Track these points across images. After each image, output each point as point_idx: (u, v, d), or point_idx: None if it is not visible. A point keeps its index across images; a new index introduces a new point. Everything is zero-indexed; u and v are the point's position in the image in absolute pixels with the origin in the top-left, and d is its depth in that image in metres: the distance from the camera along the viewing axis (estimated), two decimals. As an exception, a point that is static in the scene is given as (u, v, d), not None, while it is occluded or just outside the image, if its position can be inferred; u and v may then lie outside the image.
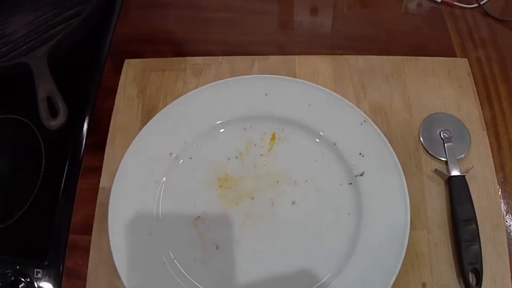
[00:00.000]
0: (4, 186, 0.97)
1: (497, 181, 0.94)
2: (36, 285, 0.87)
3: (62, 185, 0.94)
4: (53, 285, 0.87)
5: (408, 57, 1.09)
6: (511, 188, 0.95)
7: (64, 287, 0.87)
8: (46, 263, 0.88)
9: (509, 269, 0.87)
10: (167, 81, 1.06)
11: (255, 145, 0.97)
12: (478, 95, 1.04)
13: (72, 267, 0.89)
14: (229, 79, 1.02)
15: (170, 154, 0.94)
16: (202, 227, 0.89)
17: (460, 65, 1.08)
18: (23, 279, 0.86)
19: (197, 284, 0.84)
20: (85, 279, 0.87)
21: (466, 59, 1.09)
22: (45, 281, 0.87)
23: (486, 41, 1.14)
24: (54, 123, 0.88)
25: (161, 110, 0.98)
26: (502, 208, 0.92)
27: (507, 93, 1.06)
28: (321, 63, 1.08)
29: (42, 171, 0.95)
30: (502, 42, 1.14)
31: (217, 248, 0.87)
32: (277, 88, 1.00)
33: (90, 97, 1.04)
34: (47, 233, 0.90)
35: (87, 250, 0.89)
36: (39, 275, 0.87)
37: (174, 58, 1.09)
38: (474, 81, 1.06)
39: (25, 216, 0.92)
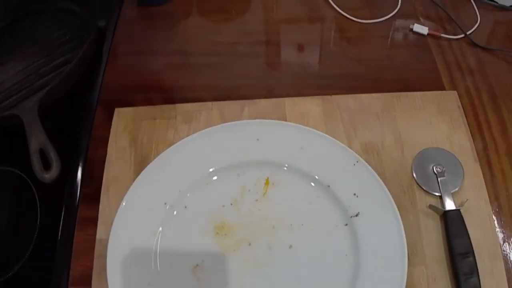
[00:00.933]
0: (0, 239, 0.97)
1: (492, 211, 0.95)
2: None
3: (59, 237, 0.94)
4: None
5: (397, 93, 1.10)
6: (506, 217, 0.95)
7: None
8: None
9: (509, 300, 0.86)
10: (158, 129, 1.06)
11: (249, 190, 0.97)
12: (469, 126, 1.05)
13: (75, 321, 0.88)
14: (220, 125, 1.02)
15: (165, 204, 0.94)
16: (201, 275, 0.89)
17: (450, 98, 1.09)
18: None
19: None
20: (89, 333, 0.86)
21: (455, 92, 1.10)
22: (48, 337, 0.85)
23: (474, 71, 1.15)
24: (48, 176, 0.88)
25: (153, 159, 0.98)
26: (499, 238, 0.92)
27: (497, 122, 1.07)
28: (311, 104, 1.08)
29: (38, 223, 0.95)
30: (490, 70, 1.15)
31: None
32: (268, 132, 1.01)
33: (82, 147, 1.04)
34: (46, 285, 0.90)
35: (89, 303, 0.88)
36: (42, 331, 0.85)
37: (164, 106, 1.10)
38: (464, 112, 1.07)
39: (24, 269, 0.91)
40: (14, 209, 1.00)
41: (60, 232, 0.94)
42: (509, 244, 0.93)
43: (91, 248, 0.92)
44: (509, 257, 0.91)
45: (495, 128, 1.06)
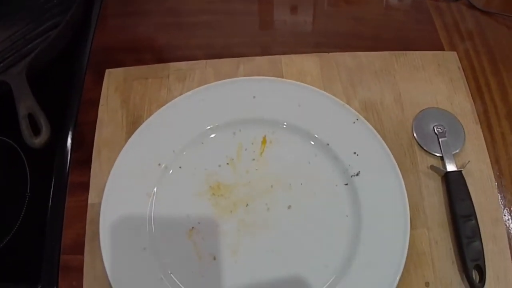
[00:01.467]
0: (-11, 209, 0.93)
1: (493, 175, 0.93)
2: None
3: (50, 204, 0.91)
4: (50, 309, 0.83)
5: (396, 52, 1.07)
6: (507, 181, 0.93)
7: (60, 311, 0.83)
8: (40, 287, 0.84)
9: (511, 264, 0.86)
10: (151, 89, 1.03)
11: (246, 149, 0.94)
12: (469, 88, 1.03)
13: (67, 289, 0.85)
14: (215, 83, 0.99)
15: (159, 164, 0.91)
16: (197, 238, 0.86)
17: (450, 59, 1.07)
18: (17, 307, 0.82)
19: (196, 297, 0.81)
20: (81, 301, 0.83)
21: (455, 52, 1.08)
22: (41, 305, 0.83)
23: (473, 34, 1.12)
24: (37, 141, 0.86)
25: (146, 119, 0.95)
26: (500, 203, 0.91)
27: (498, 86, 1.05)
28: (308, 62, 1.06)
29: (28, 191, 0.92)
30: (489, 34, 1.13)
31: (214, 258, 0.84)
32: (265, 90, 0.98)
33: (72, 111, 1.01)
34: (38, 255, 0.87)
35: (80, 270, 0.85)
36: (34, 299, 0.83)
37: (156, 65, 1.06)
38: (464, 74, 1.04)
39: (15, 239, 0.88)
40: (3, 178, 0.97)
41: (51, 199, 0.91)
42: (510, 209, 0.91)
43: (83, 214, 0.89)
44: (511, 221, 0.90)
45: (495, 92, 1.04)
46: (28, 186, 0.92)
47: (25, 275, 0.86)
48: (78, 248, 0.87)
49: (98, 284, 0.84)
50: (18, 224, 0.89)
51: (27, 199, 0.91)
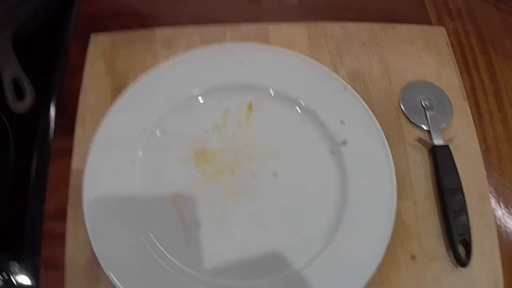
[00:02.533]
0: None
1: (480, 151, 0.93)
2: (14, 281, 0.81)
3: (33, 171, 0.90)
4: (31, 277, 0.82)
5: (385, 24, 1.06)
6: (494, 159, 0.94)
7: (43, 280, 0.82)
8: (23, 255, 0.83)
9: (497, 240, 0.86)
10: (137, 55, 1.01)
11: (232, 115, 0.92)
12: (457, 64, 1.02)
13: (49, 257, 0.83)
14: (201, 48, 0.97)
15: (144, 129, 0.89)
16: (182, 205, 0.85)
17: (438, 34, 1.06)
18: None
19: (180, 264, 0.80)
20: (63, 269, 0.82)
21: (443, 28, 1.07)
22: (23, 274, 0.82)
23: (462, 12, 1.12)
24: (22, 106, 0.86)
25: (131, 85, 0.93)
26: (486, 180, 0.91)
27: (486, 63, 1.04)
28: (296, 31, 1.04)
29: (11, 158, 0.90)
30: (478, 13, 1.12)
31: (199, 225, 0.83)
32: (252, 56, 0.96)
33: (57, 77, 0.99)
34: (21, 223, 0.86)
35: (64, 238, 0.84)
36: (16, 268, 0.82)
37: (142, 31, 1.04)
38: (452, 51, 1.04)
39: (-4, 207, 0.87)
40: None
41: (34, 165, 0.90)
42: (496, 185, 0.91)
43: (66, 181, 0.88)
44: (497, 198, 0.90)
45: (483, 70, 1.04)
46: (12, 153, 0.91)
47: (8, 244, 0.85)
48: (61, 215, 0.85)
49: (80, 251, 0.82)
50: (0, 191, 0.88)
51: (10, 166, 0.90)
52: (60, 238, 0.83)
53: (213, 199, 0.85)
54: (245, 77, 0.95)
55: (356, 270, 0.79)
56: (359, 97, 0.91)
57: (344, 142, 0.88)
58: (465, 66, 1.03)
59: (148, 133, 0.89)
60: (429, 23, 1.09)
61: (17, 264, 0.82)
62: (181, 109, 0.92)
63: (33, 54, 0.97)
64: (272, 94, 0.94)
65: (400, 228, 0.85)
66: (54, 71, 1.00)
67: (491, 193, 0.90)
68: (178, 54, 0.97)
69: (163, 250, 0.81)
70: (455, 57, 1.03)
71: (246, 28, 1.04)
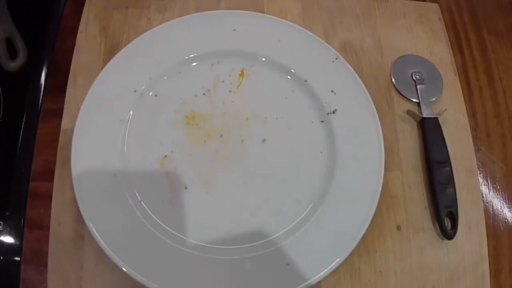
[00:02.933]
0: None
1: (469, 126, 0.94)
2: None
3: (22, 130, 0.89)
4: (15, 237, 0.82)
5: (378, -2, 1.06)
6: (482, 134, 0.95)
7: (27, 239, 0.82)
8: (7, 214, 0.83)
9: (483, 215, 0.87)
10: (131, 18, 1.01)
11: (223, 81, 0.92)
12: (449, 41, 1.03)
13: (34, 216, 0.83)
14: (195, 14, 0.97)
15: (135, 91, 0.89)
16: (170, 167, 0.85)
17: (431, 10, 1.07)
18: (-17, 234, 0.81)
19: (165, 226, 0.80)
20: (48, 229, 0.82)
21: (437, 4, 1.08)
22: (6, 233, 0.82)
23: (456, -12, 1.11)
24: (14, 64, 0.86)
25: (124, 47, 0.93)
26: (475, 154, 0.92)
27: (478, 41, 1.05)
28: (290, 0, 1.04)
29: (0, 117, 0.89)
30: (473, -9, 1.12)
31: (185, 188, 0.83)
32: (246, 23, 0.96)
33: (50, 37, 0.98)
34: (6, 182, 0.85)
35: (49, 198, 0.84)
36: (0, 227, 0.82)
37: (137, -5, 1.04)
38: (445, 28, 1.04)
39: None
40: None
41: (23, 125, 0.90)
42: (484, 161, 0.93)
43: (54, 141, 0.88)
44: (485, 173, 0.92)
45: (475, 47, 1.04)
46: (1, 112, 0.90)
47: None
48: (48, 175, 0.85)
49: (66, 210, 0.83)
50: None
51: (-1, 124, 0.89)
52: (46, 198, 0.84)
53: (201, 162, 0.86)
54: (238, 44, 0.95)
55: (342, 238, 0.79)
56: (350, 67, 0.92)
57: (334, 111, 0.88)
58: (457, 44, 1.04)
59: (138, 95, 0.89)
60: (423, 0, 1.09)
61: (1, 224, 0.82)
62: (172, 73, 0.92)
63: (25, 13, 0.97)
64: (264, 62, 0.94)
65: (386, 198, 0.86)
66: (46, 30, 0.99)
67: (479, 168, 0.91)
68: (172, 19, 0.97)
69: (148, 210, 0.81)
70: (448, 34, 1.04)
71: (241, -4, 1.04)
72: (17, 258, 0.81)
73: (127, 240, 0.78)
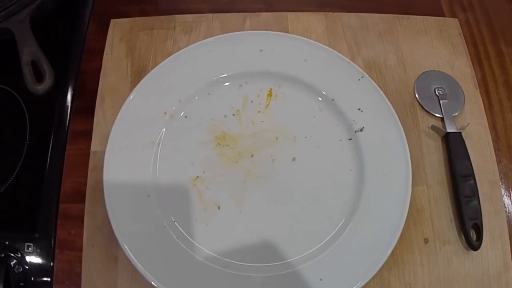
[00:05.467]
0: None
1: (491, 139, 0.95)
2: (27, 260, 0.82)
3: (49, 152, 0.90)
4: (46, 258, 0.83)
5: (399, 15, 1.08)
6: (503, 146, 0.95)
7: (59, 260, 0.83)
8: (37, 235, 0.84)
9: (506, 225, 0.88)
10: (157, 39, 1.03)
11: (251, 101, 0.94)
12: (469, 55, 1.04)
13: (65, 238, 0.85)
14: (222, 35, 0.99)
15: (165, 113, 0.91)
16: (202, 187, 0.86)
17: (451, 25, 1.08)
18: (13, 255, 0.82)
19: (199, 245, 0.82)
20: (79, 250, 0.83)
21: (456, 19, 1.09)
22: (37, 254, 0.83)
23: (474, 4, 1.13)
24: (41, 87, 0.85)
25: (152, 69, 0.94)
26: (497, 166, 0.93)
27: (496, 54, 1.06)
28: (314, 20, 1.06)
29: (27, 140, 0.91)
30: (489, 4, 1.14)
31: (218, 208, 0.85)
32: (272, 43, 0.98)
33: (75, 59, 1.00)
34: (36, 204, 0.86)
35: (80, 219, 0.85)
36: (30, 249, 0.83)
37: (162, 17, 1.06)
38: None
39: (12, 188, 0.87)
40: (2, 126, 0.96)
41: (50, 147, 0.91)
42: (506, 172, 0.94)
43: (83, 163, 0.90)
44: (506, 184, 0.93)
45: (493, 60, 1.05)
46: (28, 134, 0.92)
47: (22, 224, 0.86)
48: (78, 196, 0.87)
49: (99, 231, 0.84)
50: (16, 172, 0.89)
51: (26, 147, 0.91)
52: (76, 220, 0.86)
53: (233, 181, 0.87)
54: (265, 64, 0.96)
55: (373, 252, 0.81)
56: (376, 85, 0.94)
57: (361, 129, 0.90)
58: (477, 57, 1.05)
59: (168, 117, 0.91)
60: (442, 15, 1.10)
61: (31, 245, 0.83)
62: (201, 94, 0.94)
63: (50, 35, 0.98)
64: (291, 82, 0.95)
65: (413, 212, 0.88)
66: (71, 52, 1.01)
67: (501, 180, 0.92)
68: (197, 40, 0.99)
69: (182, 230, 0.83)
70: (467, 47, 1.05)
71: (266, 16, 1.06)
72: (48, 279, 0.82)
73: (161, 260, 0.79)
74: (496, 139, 0.96)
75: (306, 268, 0.81)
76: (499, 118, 0.98)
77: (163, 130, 0.90)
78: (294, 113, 0.93)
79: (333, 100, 0.93)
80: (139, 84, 0.92)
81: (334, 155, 0.90)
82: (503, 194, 0.91)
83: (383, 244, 0.81)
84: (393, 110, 0.91)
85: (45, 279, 0.83)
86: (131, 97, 0.91)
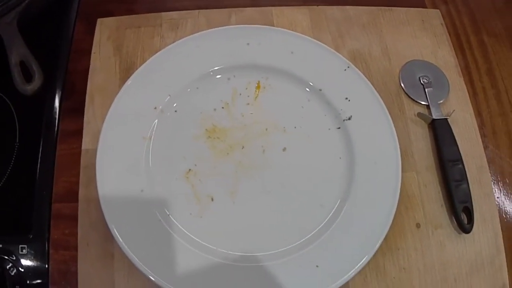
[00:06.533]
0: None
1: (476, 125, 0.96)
2: (22, 263, 0.82)
3: (40, 153, 0.91)
4: (40, 259, 0.83)
5: (382, 7, 1.10)
6: (489, 132, 0.97)
7: (54, 260, 0.83)
8: (31, 237, 0.84)
9: (496, 208, 0.90)
10: (144, 37, 1.03)
11: (240, 94, 0.95)
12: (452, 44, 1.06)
13: (59, 237, 0.85)
14: (209, 30, 0.99)
15: (155, 108, 0.91)
16: (195, 180, 0.87)
17: (433, 16, 1.10)
18: (8, 258, 0.82)
19: (194, 237, 0.82)
20: (74, 249, 0.83)
21: (438, 10, 1.11)
22: (31, 256, 0.83)
23: (454, -4, 1.15)
24: (30, 87, 0.85)
25: (140, 66, 0.95)
26: (483, 151, 0.94)
27: (478, 44, 1.08)
28: (298, 14, 1.07)
29: (17, 141, 0.91)
30: (470, -4, 1.15)
31: (212, 200, 0.86)
32: (259, 37, 0.99)
33: (62, 59, 1.00)
34: (28, 205, 0.87)
35: (73, 218, 0.85)
36: (24, 251, 0.83)
37: (149, 14, 1.06)
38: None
39: (3, 190, 0.87)
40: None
41: (41, 148, 0.91)
42: (493, 158, 0.95)
43: (74, 162, 0.90)
44: (493, 169, 0.95)
45: (476, 49, 1.07)
46: (17, 136, 0.92)
47: (15, 226, 0.86)
48: (70, 196, 0.87)
49: (94, 229, 0.84)
50: (7, 174, 0.89)
51: (16, 148, 0.91)
52: (70, 219, 0.86)
53: (225, 173, 0.88)
54: (252, 57, 0.97)
55: (366, 238, 0.82)
56: (362, 75, 0.95)
57: (349, 118, 0.92)
58: (459, 47, 1.07)
59: (159, 112, 0.91)
60: (423, 7, 1.12)
61: (25, 247, 0.83)
62: (190, 89, 0.95)
63: (37, 37, 0.98)
64: (279, 74, 0.97)
65: (404, 198, 0.89)
66: (59, 53, 1.01)
67: (489, 165, 0.94)
68: (184, 36, 0.99)
69: (177, 223, 0.83)
70: (450, 38, 1.07)
71: (251, 11, 1.07)
72: (44, 281, 0.83)
73: (158, 254, 0.80)
74: (481, 125, 0.97)
75: (301, 256, 0.82)
76: (483, 105, 1.00)
77: (154, 125, 0.90)
78: (282, 104, 0.94)
79: (321, 90, 0.94)
80: (128, 81, 0.92)
81: (324, 144, 0.91)
82: (491, 178, 0.92)
83: (376, 230, 0.82)
84: (380, 98, 0.92)
85: (40, 280, 0.83)
86: (121, 93, 0.91)
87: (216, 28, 1.00)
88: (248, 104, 0.94)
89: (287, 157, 0.90)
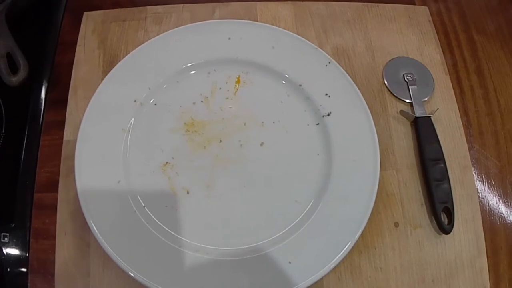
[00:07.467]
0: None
1: (462, 124, 0.95)
2: (4, 251, 0.83)
3: (25, 143, 0.91)
4: (22, 247, 0.84)
5: (369, 3, 1.09)
6: (475, 132, 0.96)
7: (33, 249, 0.84)
8: (13, 225, 0.85)
9: (479, 209, 0.89)
10: (128, 30, 1.03)
11: (220, 88, 0.95)
12: (439, 42, 1.05)
13: (40, 227, 0.85)
14: (191, 24, 0.99)
15: (135, 101, 0.91)
16: (172, 173, 0.87)
17: (421, 13, 1.09)
18: (-11, 246, 0.82)
19: (168, 230, 0.82)
20: (54, 238, 0.84)
21: (426, 7, 1.10)
22: (13, 244, 0.84)
23: (445, -7, 1.14)
24: (15, 79, 0.86)
25: (123, 58, 0.95)
26: (468, 151, 0.93)
27: (468, 42, 1.07)
28: (282, 9, 1.07)
29: (3, 131, 0.91)
30: (461, -6, 1.14)
31: (187, 193, 0.86)
32: (240, 31, 0.98)
33: (49, 52, 1.01)
34: (12, 194, 0.87)
35: (54, 208, 0.86)
36: (6, 239, 0.84)
37: (134, 8, 1.06)
38: (435, 29, 1.06)
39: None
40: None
41: (25, 138, 0.92)
42: (478, 158, 0.94)
43: (57, 153, 0.90)
44: (479, 169, 0.94)
45: (465, 47, 1.06)
46: (3, 126, 0.92)
47: (-1, 214, 0.86)
48: (52, 186, 0.87)
49: (71, 218, 0.85)
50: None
51: (1, 138, 0.91)
52: (51, 209, 0.86)
53: (202, 167, 0.88)
54: (233, 52, 0.97)
55: (341, 236, 0.81)
56: (343, 70, 0.94)
57: (329, 114, 0.91)
58: (448, 45, 1.06)
59: (138, 104, 0.91)
60: (412, 4, 1.11)
61: (7, 235, 0.84)
62: (170, 82, 0.94)
63: (25, 29, 0.99)
64: (259, 68, 0.96)
65: (383, 196, 0.88)
66: (46, 45, 1.02)
67: (473, 165, 0.93)
68: (168, 30, 0.99)
69: (151, 215, 0.83)
70: (438, 36, 1.06)
71: (235, 6, 1.07)
72: (24, 269, 0.83)
73: (132, 245, 0.80)
74: (468, 125, 0.96)
75: (274, 251, 0.81)
76: (470, 104, 0.99)
77: (133, 117, 0.90)
78: (262, 99, 0.94)
79: (300, 85, 0.94)
80: (109, 74, 0.92)
81: (302, 139, 0.90)
82: (475, 179, 0.92)
83: (351, 228, 0.81)
84: (360, 95, 0.91)
85: (21, 269, 0.83)
86: (102, 86, 0.91)
87: (198, 23, 0.99)
88: (228, 98, 0.94)
89: (264, 152, 0.89)
